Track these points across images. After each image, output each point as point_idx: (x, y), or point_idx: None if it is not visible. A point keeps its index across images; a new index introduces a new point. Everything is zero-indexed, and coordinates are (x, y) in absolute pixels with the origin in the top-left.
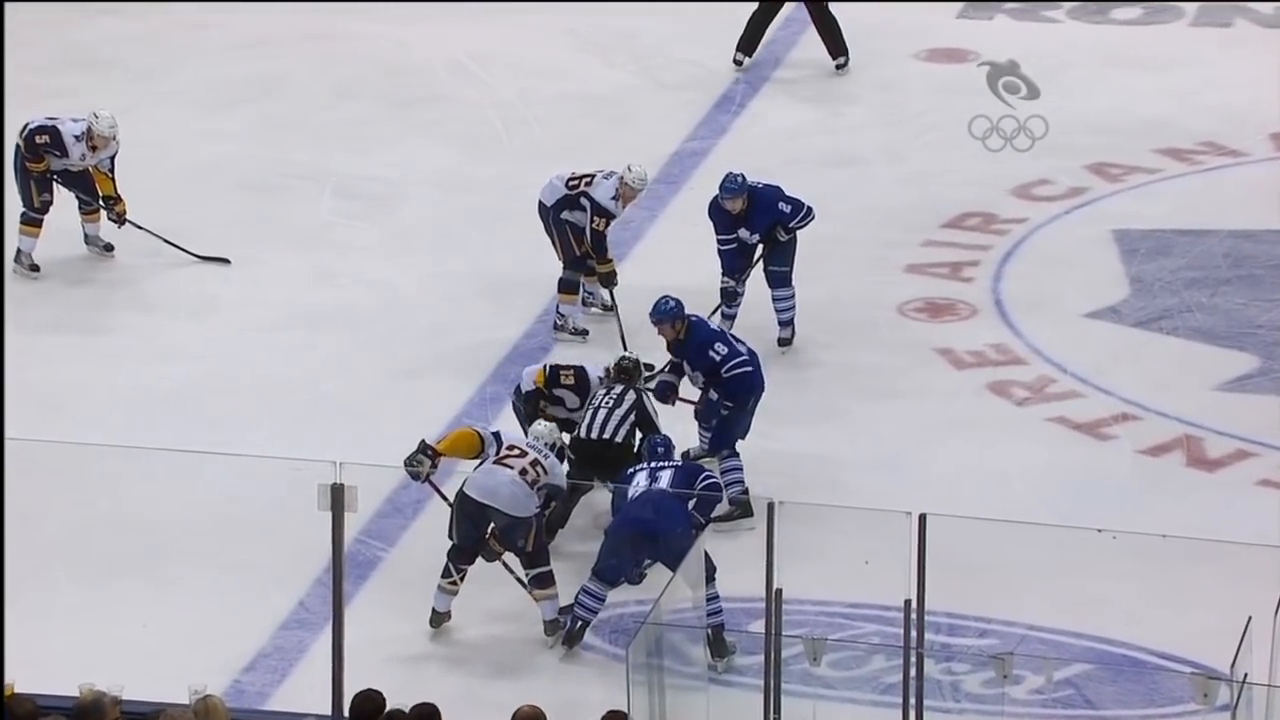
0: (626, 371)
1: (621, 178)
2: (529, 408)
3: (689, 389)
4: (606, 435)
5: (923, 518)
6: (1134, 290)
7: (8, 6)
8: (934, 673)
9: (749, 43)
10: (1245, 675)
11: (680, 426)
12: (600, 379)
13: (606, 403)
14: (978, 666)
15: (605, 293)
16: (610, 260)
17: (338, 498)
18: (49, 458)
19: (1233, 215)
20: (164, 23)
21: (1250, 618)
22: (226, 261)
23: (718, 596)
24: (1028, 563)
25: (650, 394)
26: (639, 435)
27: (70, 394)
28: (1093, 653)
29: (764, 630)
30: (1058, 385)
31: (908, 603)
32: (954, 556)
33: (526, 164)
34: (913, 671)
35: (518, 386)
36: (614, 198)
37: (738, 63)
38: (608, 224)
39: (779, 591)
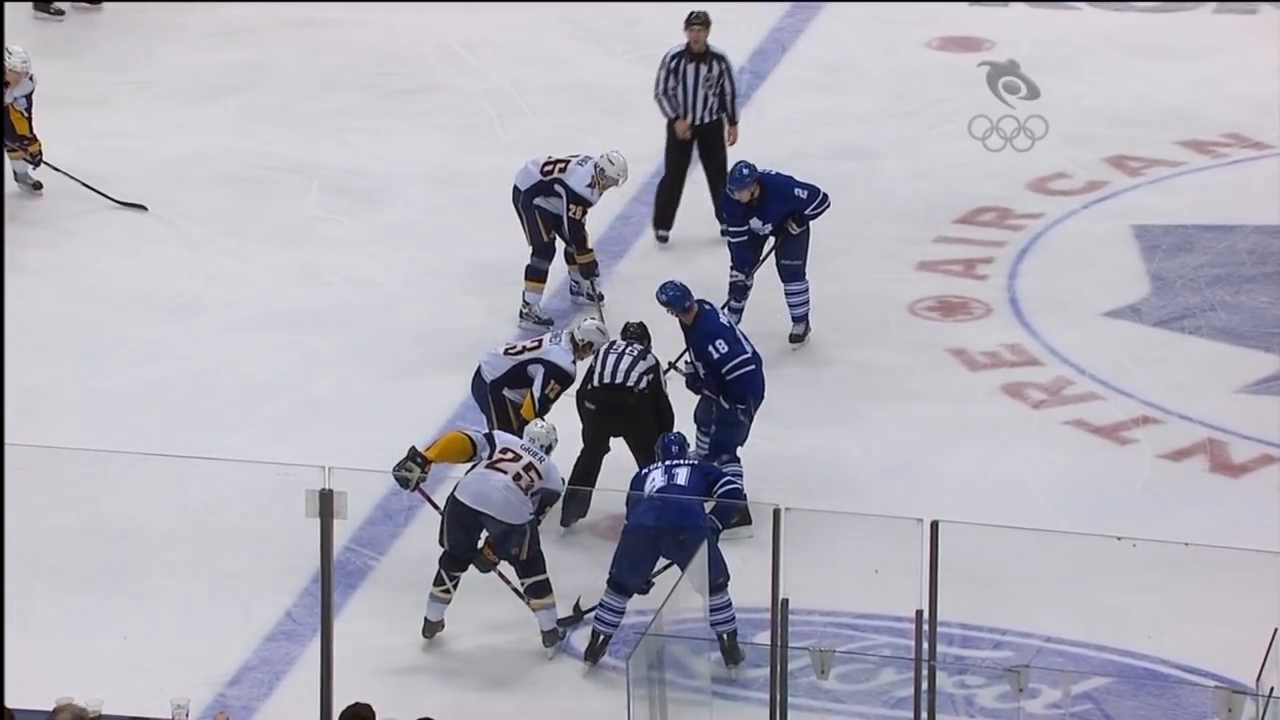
0: (634, 336)
1: (597, 164)
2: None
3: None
4: (630, 383)
5: (935, 524)
6: (1155, 288)
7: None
8: (946, 686)
9: (663, 217)
10: (1271, 689)
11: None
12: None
13: (630, 352)
14: (992, 680)
15: (588, 283)
16: (590, 250)
17: (326, 504)
18: (23, 462)
19: (1258, 210)
20: (140, 9)
21: (1277, 630)
22: (143, 208)
23: (730, 604)
24: (1044, 572)
25: (665, 367)
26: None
27: (44, 395)
28: (1112, 665)
29: (770, 641)
30: (1075, 387)
31: (919, 613)
32: (967, 565)
33: (520, 156)
34: (924, 685)
35: (477, 372)
36: (589, 185)
37: (662, 239)
38: (584, 212)
39: (785, 601)
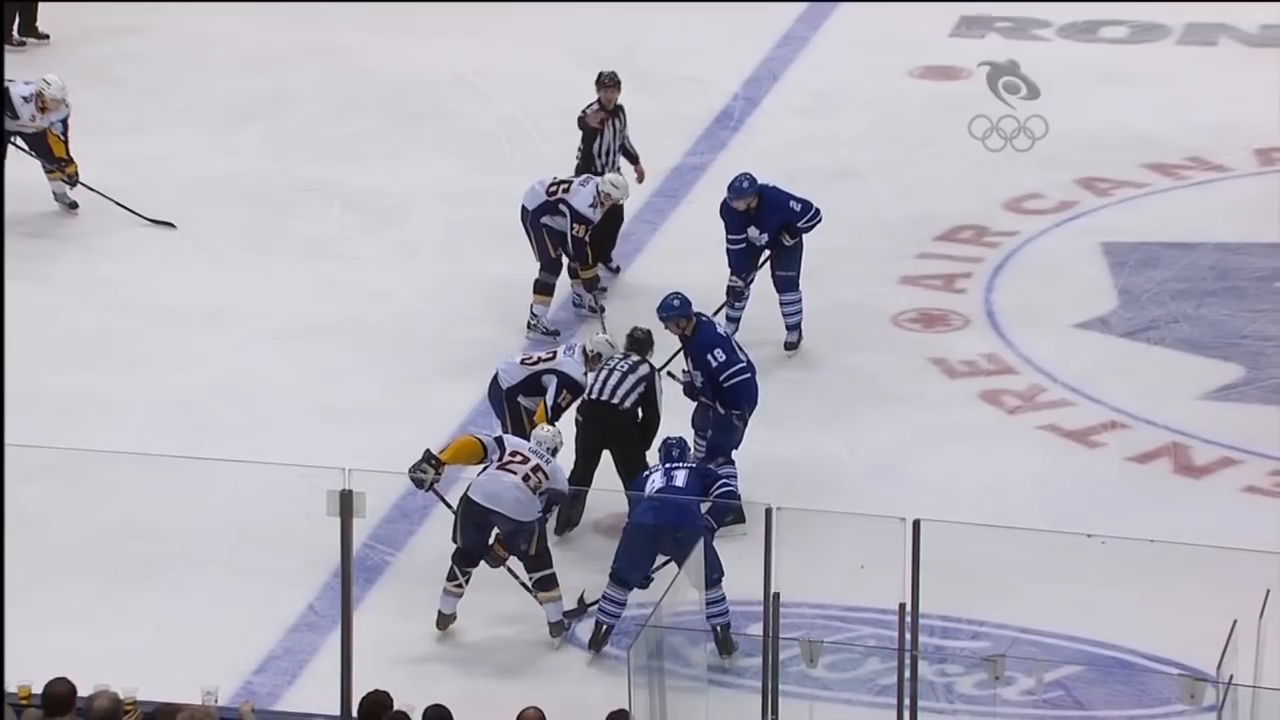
0: (639, 342)
1: (599, 185)
2: (509, 400)
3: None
4: (615, 400)
5: (917, 523)
6: (1122, 301)
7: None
8: (928, 674)
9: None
10: (1231, 677)
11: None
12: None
13: (621, 368)
14: (970, 668)
15: (590, 296)
16: (593, 267)
17: (346, 504)
18: (61, 464)
19: (1218, 229)
20: (172, 40)
21: (1235, 621)
22: (173, 226)
23: (724, 598)
24: (1019, 567)
25: (661, 375)
26: (642, 412)
27: (81, 402)
28: (1083, 655)
29: (762, 633)
30: (1048, 394)
31: (902, 606)
32: (947, 561)
33: (528, 177)
34: (907, 673)
35: (494, 379)
36: (592, 205)
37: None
38: (588, 230)
39: (776, 595)
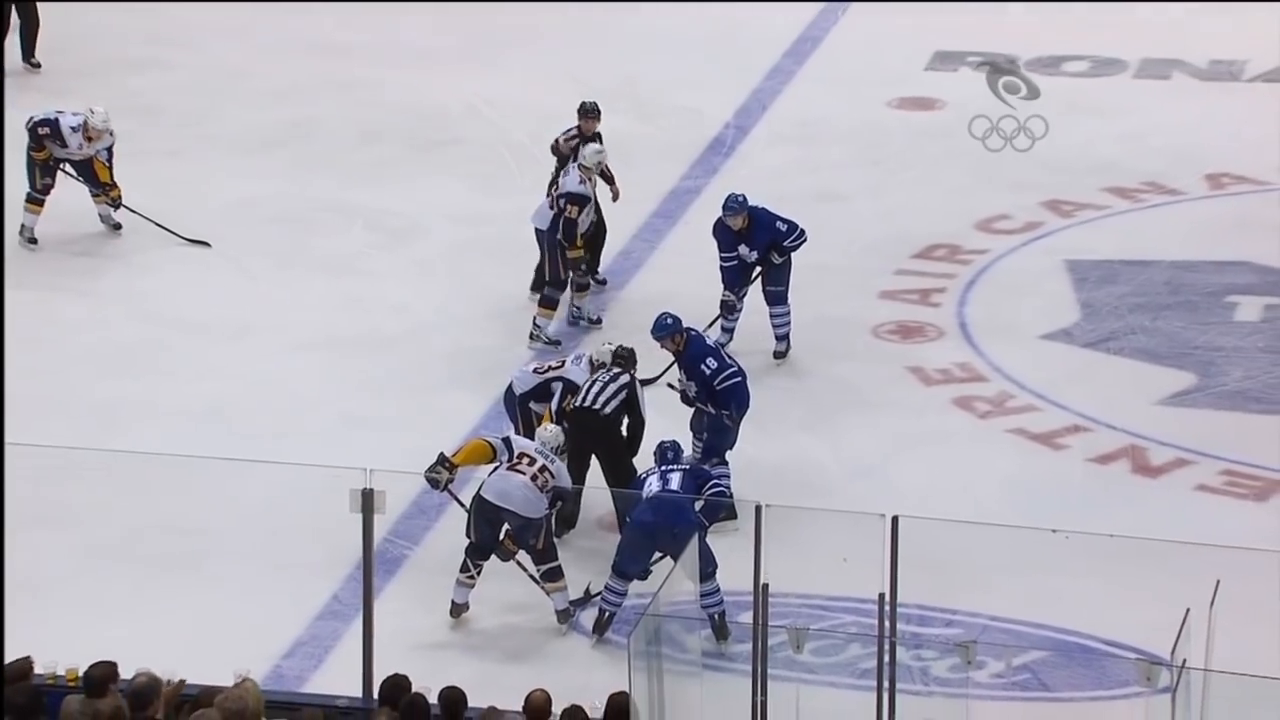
0: (621, 358)
1: (579, 163)
2: (522, 406)
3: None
4: (597, 406)
5: (895, 519)
6: (1084, 314)
7: (63, 57)
8: (905, 659)
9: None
10: (1184, 661)
11: (677, 437)
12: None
13: (603, 378)
14: (945, 653)
15: (589, 308)
16: (580, 247)
17: (368, 501)
18: (105, 466)
19: (1172, 247)
20: (206, 73)
21: (1189, 609)
22: (208, 245)
23: (718, 589)
24: (990, 560)
25: (643, 388)
26: (627, 419)
27: (122, 408)
28: (1048, 641)
29: (752, 621)
30: (1016, 400)
31: (881, 596)
32: (923, 554)
33: (535, 200)
34: (886, 658)
35: (509, 386)
36: (581, 182)
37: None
38: (580, 211)
39: (766, 586)
